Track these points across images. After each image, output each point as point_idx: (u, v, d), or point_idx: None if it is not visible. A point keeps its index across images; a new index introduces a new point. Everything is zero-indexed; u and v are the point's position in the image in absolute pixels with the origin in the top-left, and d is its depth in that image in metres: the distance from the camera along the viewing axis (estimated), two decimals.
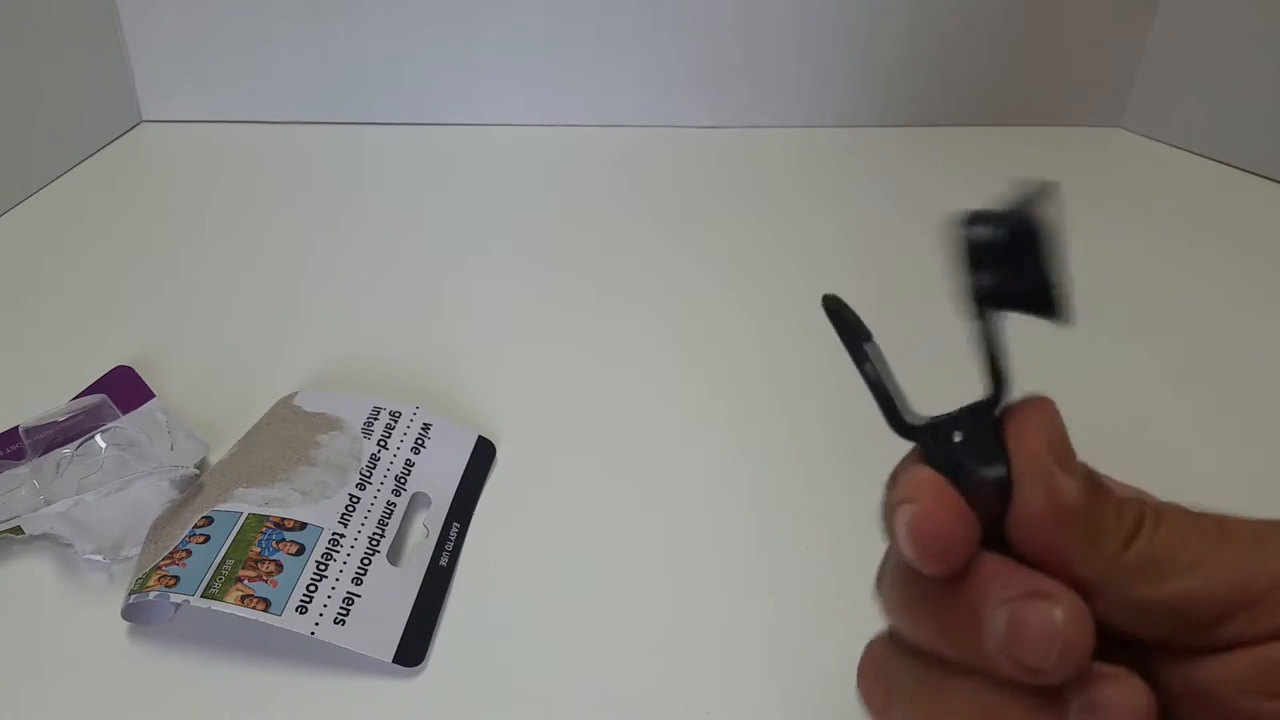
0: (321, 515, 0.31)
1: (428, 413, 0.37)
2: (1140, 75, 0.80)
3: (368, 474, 0.33)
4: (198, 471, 0.33)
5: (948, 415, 0.18)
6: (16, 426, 0.35)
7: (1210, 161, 0.74)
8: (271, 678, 0.28)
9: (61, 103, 0.65)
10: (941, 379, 0.19)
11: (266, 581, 0.28)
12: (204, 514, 0.30)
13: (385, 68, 0.75)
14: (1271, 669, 0.16)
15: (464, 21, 0.73)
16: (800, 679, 0.28)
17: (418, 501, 0.34)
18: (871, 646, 0.20)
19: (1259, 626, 0.16)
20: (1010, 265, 0.17)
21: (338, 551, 0.30)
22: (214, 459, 0.36)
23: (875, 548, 0.19)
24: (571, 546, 0.33)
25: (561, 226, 0.59)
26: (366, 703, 0.27)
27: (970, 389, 0.18)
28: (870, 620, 0.20)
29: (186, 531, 0.29)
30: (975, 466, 0.17)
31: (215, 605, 0.27)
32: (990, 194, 0.17)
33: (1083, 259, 0.61)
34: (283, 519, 0.30)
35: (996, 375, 0.18)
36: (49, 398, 0.37)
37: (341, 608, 0.28)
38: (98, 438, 0.34)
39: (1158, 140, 0.79)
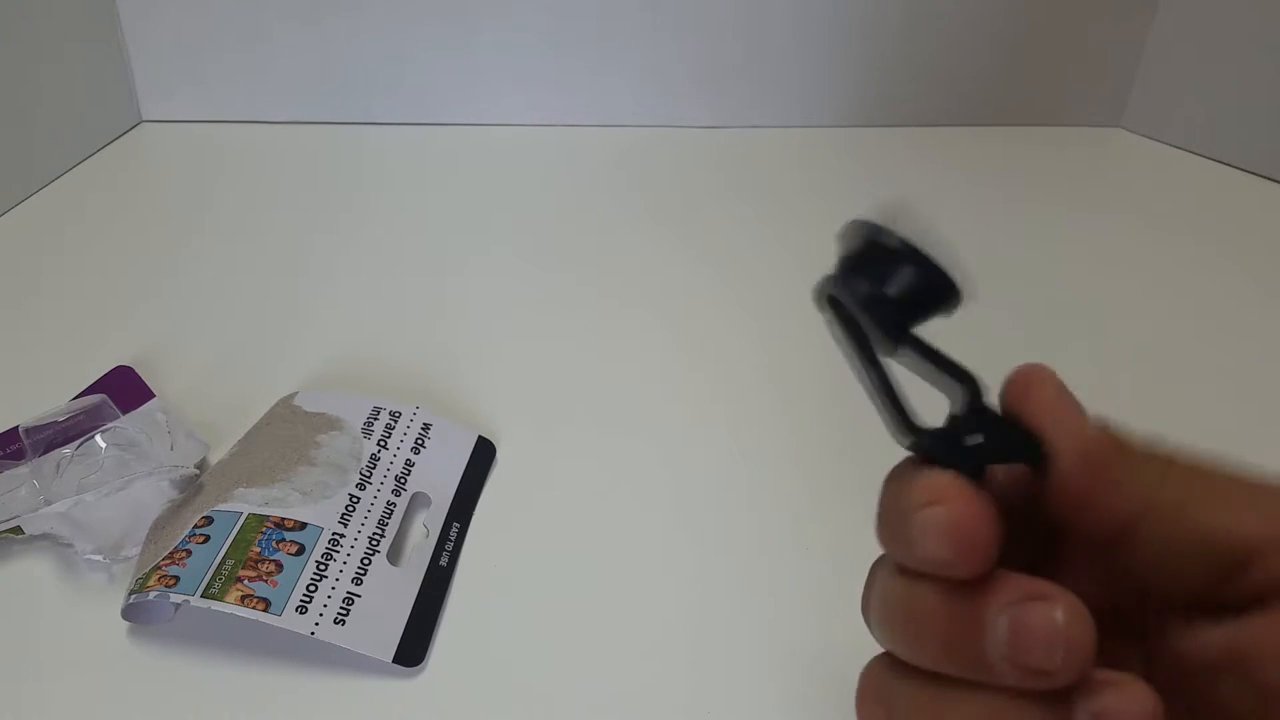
0: (321, 515, 0.31)
1: (428, 413, 0.37)
2: (1140, 75, 0.80)
3: (368, 474, 0.33)
4: (198, 471, 0.33)
5: (949, 423, 0.18)
6: (16, 426, 0.35)
7: (1210, 161, 0.74)
8: (271, 678, 0.28)
9: (61, 103, 0.65)
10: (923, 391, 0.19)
11: (266, 581, 0.28)
12: (204, 514, 0.30)
13: (385, 68, 0.75)
14: None
15: (464, 21, 0.73)
16: (800, 679, 0.28)
17: (418, 501, 0.34)
18: (869, 670, 0.20)
19: None
20: (888, 273, 0.18)
21: (338, 551, 0.30)
22: (214, 459, 0.36)
23: (875, 548, 0.19)
24: (571, 546, 0.33)
25: (561, 226, 0.59)
26: (366, 703, 0.27)
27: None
28: None
29: (186, 531, 0.29)
30: (1005, 458, 0.17)
31: (215, 605, 0.27)
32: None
33: (1083, 259, 0.62)
34: (283, 519, 0.30)
35: (960, 376, 0.18)
36: (49, 398, 0.37)
37: (341, 608, 0.28)
38: (98, 438, 0.34)
39: (1158, 140, 0.79)
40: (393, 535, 0.32)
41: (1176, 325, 0.49)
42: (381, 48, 0.74)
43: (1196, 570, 0.17)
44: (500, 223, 0.59)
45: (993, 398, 0.18)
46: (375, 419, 0.36)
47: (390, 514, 0.32)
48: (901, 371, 0.18)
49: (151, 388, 0.39)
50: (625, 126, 0.78)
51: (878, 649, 0.20)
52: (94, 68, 0.69)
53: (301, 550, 0.29)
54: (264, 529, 0.29)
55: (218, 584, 0.27)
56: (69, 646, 0.28)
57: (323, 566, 0.29)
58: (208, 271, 0.52)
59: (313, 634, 0.27)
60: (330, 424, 0.35)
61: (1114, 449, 0.17)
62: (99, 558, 0.30)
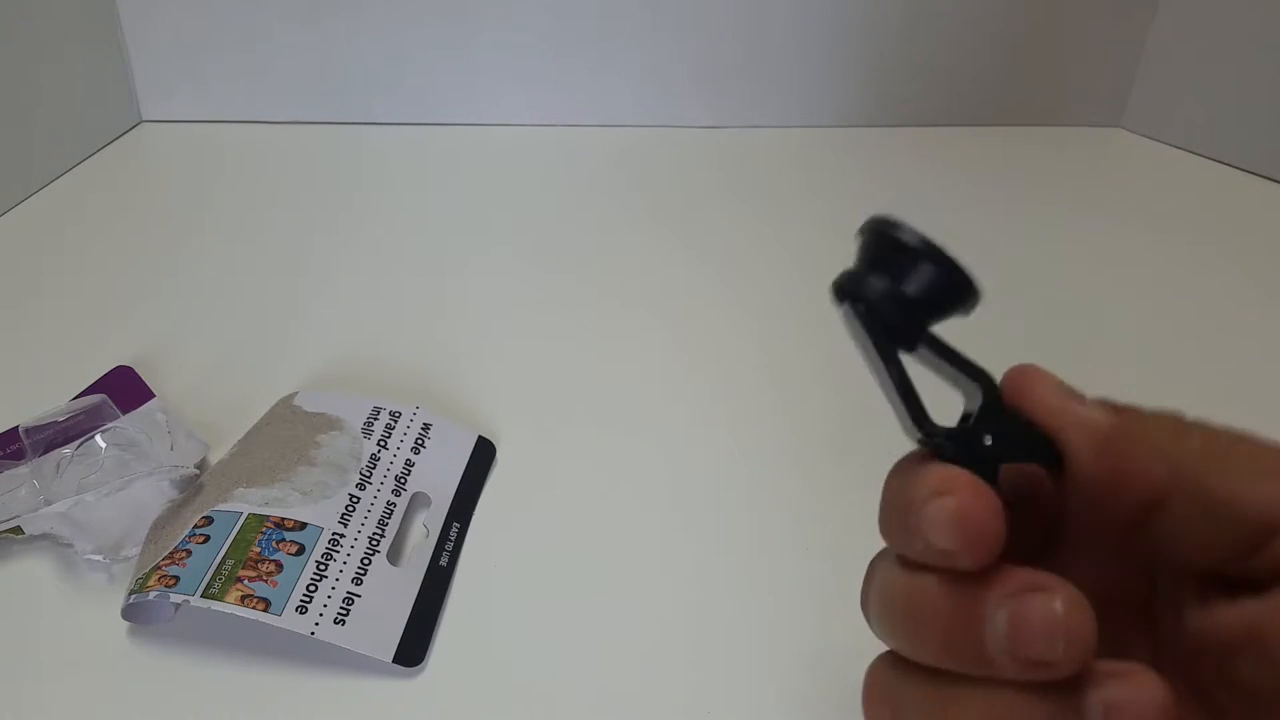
0: (321, 515, 0.31)
1: (428, 413, 0.37)
2: (1140, 75, 0.80)
3: (368, 474, 0.33)
4: (198, 471, 0.33)
5: (964, 422, 0.18)
6: (16, 426, 0.35)
7: (1210, 161, 0.74)
8: (271, 678, 0.28)
9: (61, 103, 0.65)
10: (938, 391, 0.19)
11: (266, 581, 0.28)
12: (204, 514, 0.30)
13: (385, 68, 0.75)
14: None
15: (464, 21, 0.73)
16: (800, 679, 0.28)
17: (418, 501, 0.34)
18: (873, 670, 0.20)
19: None
20: (907, 271, 0.18)
21: (338, 551, 0.30)
22: (214, 459, 0.36)
23: (874, 548, 0.19)
24: (571, 546, 0.33)
25: (561, 226, 0.59)
26: (366, 703, 0.27)
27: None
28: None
29: (186, 531, 0.29)
30: (1021, 457, 0.18)
31: (215, 605, 0.27)
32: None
33: (1083, 259, 0.62)
34: (283, 519, 0.30)
35: (976, 375, 0.18)
36: (49, 398, 0.37)
37: (341, 608, 0.28)
38: (98, 438, 0.34)
39: (1158, 140, 0.79)
40: (393, 535, 0.32)
41: (1176, 325, 0.49)
42: (381, 48, 0.74)
43: (1220, 543, 0.17)
44: (500, 223, 0.59)
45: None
46: (375, 419, 0.36)
47: (390, 514, 0.32)
48: (915, 369, 0.18)
49: (151, 388, 0.39)
50: (625, 126, 0.78)
51: (878, 649, 0.20)
52: (94, 68, 0.69)
53: (301, 550, 0.29)
54: (264, 529, 0.29)
55: (218, 584, 0.27)
56: (69, 646, 0.28)
57: (323, 566, 0.29)
58: (208, 271, 0.52)
59: (313, 634, 0.27)
60: (330, 424, 0.35)
61: (1126, 433, 0.17)
62: (99, 558, 0.30)
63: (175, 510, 0.31)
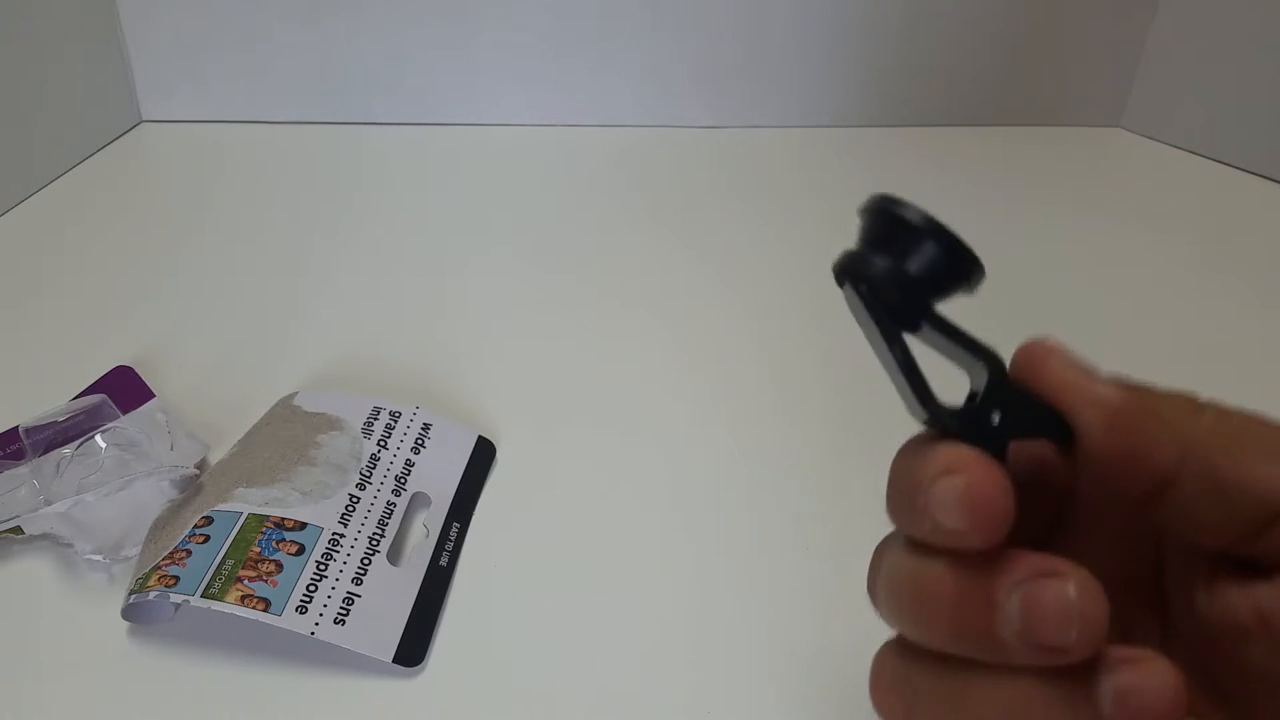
0: (321, 515, 0.31)
1: (428, 413, 0.37)
2: (1140, 75, 0.80)
3: (368, 474, 0.33)
4: (198, 471, 0.33)
5: (970, 401, 0.18)
6: (16, 426, 0.35)
7: (1210, 161, 0.74)
8: (271, 678, 0.28)
9: (61, 103, 0.65)
10: (942, 371, 0.19)
11: (266, 581, 0.28)
12: (204, 514, 0.30)
13: (385, 68, 0.75)
14: None
15: (464, 21, 0.73)
16: (800, 679, 0.28)
17: (418, 501, 0.34)
18: (880, 658, 0.19)
19: None
20: (910, 249, 0.17)
21: (338, 551, 0.30)
22: (214, 459, 0.36)
23: (875, 547, 0.19)
24: (571, 546, 0.33)
25: (561, 226, 0.59)
26: (366, 703, 0.27)
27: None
28: (870, 620, 0.20)
29: (186, 531, 0.29)
30: (1030, 434, 0.17)
31: (215, 605, 0.27)
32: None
33: (1083, 259, 0.62)
34: (283, 519, 0.30)
35: (982, 353, 0.18)
36: (49, 398, 0.37)
37: (341, 608, 0.28)
38: (98, 438, 0.34)
39: (1158, 140, 0.79)
40: (393, 535, 0.32)
41: (1176, 325, 0.49)
42: (381, 48, 0.74)
43: (1230, 524, 0.17)
44: (500, 223, 0.59)
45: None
46: (375, 419, 0.36)
47: (390, 514, 0.32)
48: (919, 350, 0.18)
49: (151, 388, 0.39)
50: (625, 126, 0.78)
51: (878, 649, 0.19)
52: (94, 68, 0.69)
53: (301, 550, 0.29)
54: (264, 529, 0.29)
55: (218, 584, 0.27)
56: (69, 646, 0.28)
57: (323, 566, 0.29)
58: (208, 271, 0.52)
59: (313, 634, 0.27)
60: (330, 424, 0.35)
61: (1139, 410, 0.17)
62: (99, 558, 0.30)
63: (175, 510, 0.31)
